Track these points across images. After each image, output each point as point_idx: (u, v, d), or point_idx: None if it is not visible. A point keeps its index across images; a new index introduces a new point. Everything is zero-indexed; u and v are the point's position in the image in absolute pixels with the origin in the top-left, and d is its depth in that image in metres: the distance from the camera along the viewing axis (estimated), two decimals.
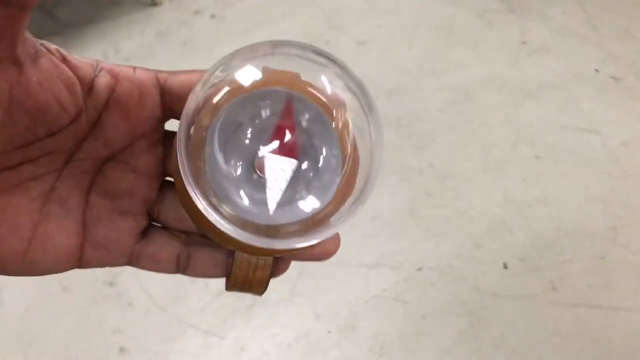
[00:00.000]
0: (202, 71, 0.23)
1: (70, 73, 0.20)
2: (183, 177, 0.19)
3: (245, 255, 0.22)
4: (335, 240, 0.26)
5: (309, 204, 0.22)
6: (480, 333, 1.00)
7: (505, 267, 1.09)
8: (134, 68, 0.23)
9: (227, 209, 0.20)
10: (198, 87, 0.21)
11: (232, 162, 0.21)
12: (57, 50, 0.21)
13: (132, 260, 0.24)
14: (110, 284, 1.10)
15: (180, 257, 0.24)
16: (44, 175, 0.21)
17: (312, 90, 0.21)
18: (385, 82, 1.46)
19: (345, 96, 0.21)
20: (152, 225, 0.25)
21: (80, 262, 0.23)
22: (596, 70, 1.44)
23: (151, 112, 0.23)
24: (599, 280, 1.06)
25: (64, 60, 0.21)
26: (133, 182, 0.23)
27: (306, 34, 1.62)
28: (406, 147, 1.30)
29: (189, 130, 0.20)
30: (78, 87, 0.21)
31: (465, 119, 1.35)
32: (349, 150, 0.21)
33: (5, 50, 0.18)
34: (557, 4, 1.64)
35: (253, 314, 1.04)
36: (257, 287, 0.23)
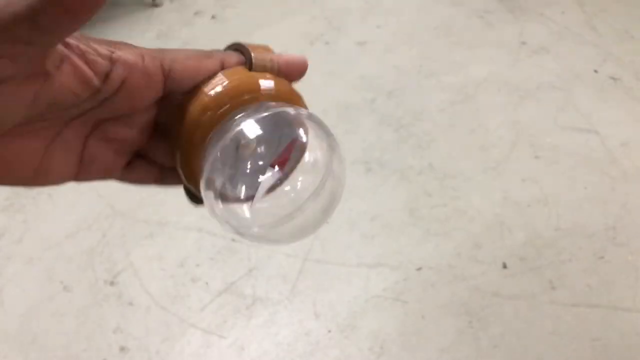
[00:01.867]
0: (200, 56, 0.28)
1: (87, 71, 0.24)
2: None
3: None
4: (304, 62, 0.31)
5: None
6: (479, 332, 1.01)
7: (505, 266, 1.09)
8: (143, 58, 0.27)
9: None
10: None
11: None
12: (77, 47, 0.24)
13: (119, 179, 0.30)
14: (111, 284, 1.10)
15: (157, 179, 0.31)
16: (53, 126, 0.26)
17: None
18: (385, 82, 1.46)
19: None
20: (138, 157, 0.30)
21: (76, 179, 0.28)
22: (595, 71, 1.45)
23: (153, 93, 0.27)
24: (598, 280, 1.06)
25: (83, 56, 0.24)
26: (127, 133, 0.29)
27: (306, 34, 1.62)
28: (406, 147, 1.31)
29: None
30: (94, 81, 0.25)
31: (465, 119, 1.36)
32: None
33: (36, 67, 0.22)
34: (557, 4, 1.64)
35: (253, 314, 1.04)
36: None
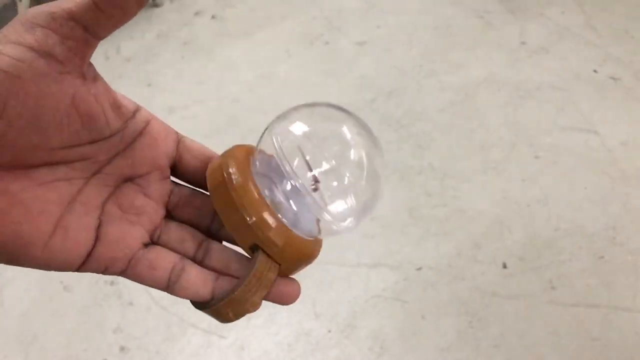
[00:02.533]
0: (210, 152, 0.30)
1: (118, 98, 0.26)
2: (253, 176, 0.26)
3: (266, 257, 0.27)
4: (298, 289, 0.31)
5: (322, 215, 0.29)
6: (479, 332, 1.01)
7: (505, 266, 1.09)
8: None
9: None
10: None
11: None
12: (109, 87, 0.27)
13: (131, 264, 0.27)
14: (111, 283, 1.11)
15: (175, 268, 0.27)
16: (75, 179, 0.26)
17: None
18: (385, 82, 1.46)
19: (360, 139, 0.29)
20: (153, 242, 0.29)
21: (90, 257, 0.26)
22: (595, 71, 1.45)
23: (169, 151, 0.28)
24: (597, 280, 1.06)
25: (114, 91, 0.27)
26: (143, 202, 0.28)
27: (306, 34, 1.62)
28: (406, 147, 1.31)
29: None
30: (124, 110, 0.26)
31: (465, 119, 1.36)
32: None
33: (77, 64, 0.24)
34: (557, 4, 1.64)
35: (253, 314, 1.04)
36: (258, 297, 0.28)
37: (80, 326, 1.06)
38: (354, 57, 1.54)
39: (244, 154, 0.29)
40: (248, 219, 0.26)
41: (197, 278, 0.28)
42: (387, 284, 1.08)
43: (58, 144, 0.24)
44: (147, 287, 1.09)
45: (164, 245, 0.28)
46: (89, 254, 0.26)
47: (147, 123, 0.27)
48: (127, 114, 0.27)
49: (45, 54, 0.22)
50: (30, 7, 1.52)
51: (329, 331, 1.02)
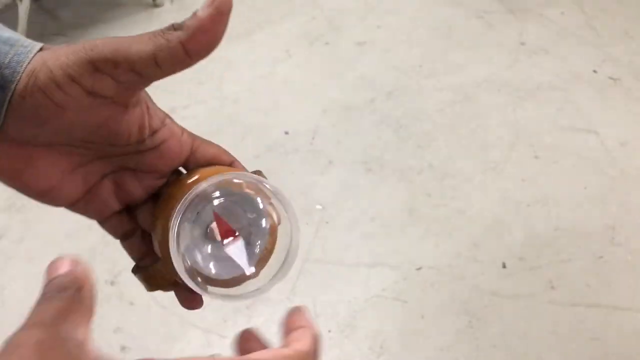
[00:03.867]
0: (222, 150, 0.33)
1: (146, 122, 0.29)
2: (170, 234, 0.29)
3: (163, 266, 0.32)
4: (200, 303, 0.34)
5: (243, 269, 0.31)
6: (479, 332, 1.01)
7: (504, 266, 1.09)
8: (183, 132, 0.31)
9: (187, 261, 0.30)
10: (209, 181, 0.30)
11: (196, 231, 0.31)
12: (146, 103, 0.29)
13: (101, 222, 0.33)
14: (112, 283, 1.11)
15: (127, 232, 0.33)
16: (87, 155, 0.30)
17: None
18: (385, 82, 1.46)
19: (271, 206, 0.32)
20: (126, 209, 0.33)
21: (72, 207, 0.31)
22: (594, 71, 1.45)
23: (177, 164, 0.32)
24: (597, 280, 1.06)
25: (148, 110, 0.29)
26: (134, 188, 0.32)
27: (306, 34, 1.62)
28: (406, 147, 1.31)
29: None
30: (146, 132, 0.29)
31: (465, 119, 1.36)
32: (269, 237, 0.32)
33: (125, 98, 0.27)
34: (556, 5, 1.64)
35: (253, 313, 1.04)
36: (154, 286, 0.34)
37: None
38: (354, 57, 1.54)
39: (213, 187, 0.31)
40: (160, 236, 0.31)
41: (136, 244, 0.34)
42: (387, 284, 1.08)
43: (79, 139, 0.28)
44: None
45: (134, 215, 0.33)
46: (72, 205, 0.31)
47: (164, 141, 0.30)
48: (147, 134, 0.29)
49: (97, 95, 0.26)
50: (30, 8, 1.53)
51: (329, 331, 1.02)
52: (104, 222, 0.33)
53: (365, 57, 1.54)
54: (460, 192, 1.21)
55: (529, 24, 1.59)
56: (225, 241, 0.31)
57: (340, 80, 1.48)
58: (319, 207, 1.20)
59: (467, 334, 1.01)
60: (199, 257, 0.31)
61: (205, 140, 0.33)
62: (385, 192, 1.23)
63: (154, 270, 0.33)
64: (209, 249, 0.31)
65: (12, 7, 1.55)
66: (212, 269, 0.31)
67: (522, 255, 1.10)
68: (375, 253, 1.12)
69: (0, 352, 0.21)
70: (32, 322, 0.21)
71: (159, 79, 0.26)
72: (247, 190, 0.32)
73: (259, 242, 0.32)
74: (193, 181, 0.31)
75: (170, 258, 0.29)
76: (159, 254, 0.32)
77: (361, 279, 1.09)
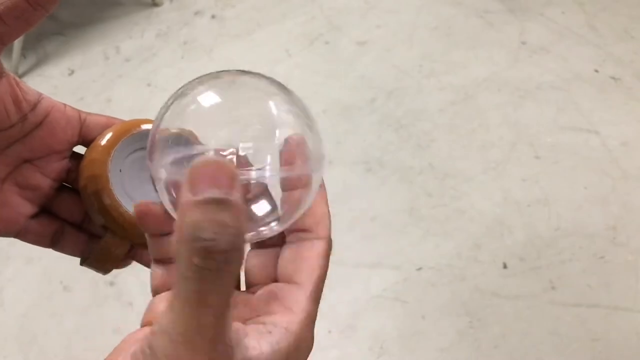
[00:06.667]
0: (112, 117, 0.32)
1: (20, 94, 0.28)
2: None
3: (112, 235, 0.30)
4: None
5: None
6: (479, 333, 1.01)
7: (505, 267, 1.09)
8: (65, 105, 0.31)
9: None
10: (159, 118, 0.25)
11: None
12: (14, 78, 0.28)
13: (20, 234, 0.31)
14: (111, 284, 1.10)
15: (56, 233, 0.32)
16: None
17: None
18: (385, 82, 1.46)
19: (289, 117, 0.25)
20: (42, 211, 0.32)
21: None
22: (595, 71, 1.45)
23: (70, 137, 0.31)
24: (598, 280, 1.06)
25: (18, 84, 0.28)
26: (40, 180, 0.31)
27: (306, 34, 1.62)
28: (406, 147, 1.31)
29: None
30: (24, 105, 0.28)
31: (465, 119, 1.36)
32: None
33: None
34: (557, 4, 1.64)
35: None
36: (110, 263, 0.32)
37: (80, 326, 1.05)
38: (354, 57, 1.54)
39: (122, 134, 0.30)
40: (96, 204, 0.30)
41: (71, 241, 0.33)
42: (388, 284, 1.08)
43: None
44: (146, 288, 1.09)
45: (55, 214, 0.32)
46: None
47: (47, 114, 0.29)
48: (27, 108, 0.28)
49: None
50: None
51: (329, 331, 1.02)
52: (24, 233, 0.31)
53: (365, 56, 1.54)
54: (461, 192, 1.21)
55: (529, 24, 1.59)
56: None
57: (340, 80, 1.48)
58: None
59: (468, 335, 1.01)
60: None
61: (91, 113, 0.32)
62: (386, 192, 1.22)
63: (104, 244, 0.31)
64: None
65: None
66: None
67: (522, 256, 1.10)
68: (375, 253, 1.12)
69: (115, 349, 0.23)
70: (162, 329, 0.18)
71: (10, 39, 0.25)
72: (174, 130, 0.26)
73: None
74: (108, 139, 0.30)
75: (120, 213, 0.28)
76: (103, 223, 0.30)
77: (361, 280, 1.09)
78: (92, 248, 0.33)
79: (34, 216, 0.32)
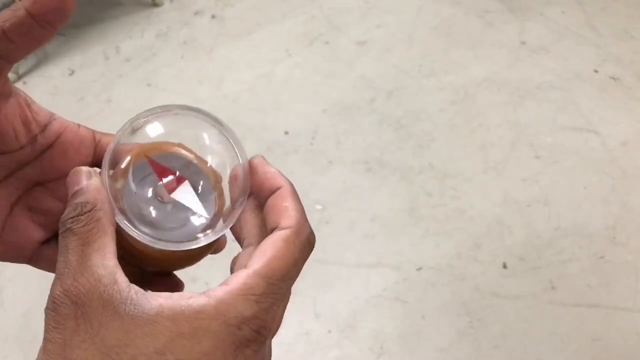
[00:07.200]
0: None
1: (29, 115, 0.27)
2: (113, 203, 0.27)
3: (126, 264, 0.29)
4: (180, 285, 0.33)
5: (199, 219, 0.29)
6: (479, 332, 1.01)
7: (505, 266, 1.09)
8: (79, 125, 0.30)
9: (144, 229, 0.28)
10: (116, 137, 0.28)
11: (142, 194, 0.29)
12: (25, 99, 0.27)
13: (32, 260, 0.30)
14: None
15: None
16: None
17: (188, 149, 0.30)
18: (385, 82, 1.46)
19: (219, 145, 0.30)
20: (54, 236, 0.31)
21: None
22: (595, 71, 1.45)
23: (83, 159, 0.30)
24: (598, 280, 1.06)
25: (28, 105, 0.27)
26: (52, 205, 0.30)
27: (306, 34, 1.62)
28: (406, 147, 1.31)
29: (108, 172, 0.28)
30: (34, 126, 0.27)
31: (465, 119, 1.36)
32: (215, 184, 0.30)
33: None
34: (557, 4, 1.64)
35: None
36: None
37: None
38: (354, 57, 1.54)
39: (134, 158, 0.30)
40: None
41: None
42: (388, 284, 1.08)
43: None
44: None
45: None
46: None
47: (59, 135, 0.29)
48: (37, 129, 0.28)
49: None
50: None
51: (329, 331, 1.02)
52: (36, 260, 0.30)
53: (365, 56, 1.54)
54: (461, 192, 1.21)
55: (529, 23, 1.59)
56: (168, 184, 0.28)
57: (340, 80, 1.48)
58: (319, 207, 1.20)
59: (468, 335, 1.01)
60: (150, 228, 0.28)
61: (106, 133, 0.31)
62: (386, 192, 1.22)
63: None
64: (158, 215, 0.28)
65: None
66: (168, 236, 0.28)
67: (522, 256, 1.10)
68: (375, 253, 1.12)
69: (46, 306, 0.25)
70: (62, 265, 0.25)
71: (18, 57, 0.25)
72: (175, 148, 0.29)
73: (201, 182, 0.29)
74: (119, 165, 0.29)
75: (128, 247, 0.27)
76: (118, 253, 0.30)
77: (361, 279, 1.09)
78: None
79: (46, 241, 0.30)
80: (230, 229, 0.30)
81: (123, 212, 0.27)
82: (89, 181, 0.26)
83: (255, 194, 0.29)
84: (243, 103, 1.43)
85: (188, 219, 0.29)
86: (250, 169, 0.29)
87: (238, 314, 0.23)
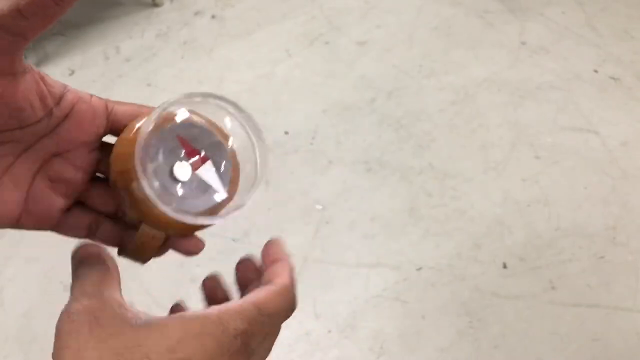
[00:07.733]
0: (141, 105, 0.32)
1: (45, 89, 0.28)
2: (139, 171, 0.28)
3: (148, 227, 0.31)
4: (200, 243, 0.35)
5: (218, 195, 0.32)
6: (479, 333, 1.01)
7: (505, 266, 1.09)
8: (91, 95, 0.31)
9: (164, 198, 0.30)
10: (151, 117, 0.30)
11: (165, 167, 0.31)
12: (39, 73, 0.28)
13: (55, 228, 0.32)
14: None
15: (91, 225, 0.33)
16: (6, 156, 0.29)
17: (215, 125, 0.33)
18: (385, 82, 1.46)
19: (238, 130, 0.33)
20: (76, 204, 0.33)
21: (18, 224, 0.30)
22: (595, 71, 1.45)
23: (97, 129, 0.31)
24: (598, 280, 1.06)
25: (43, 79, 0.28)
26: (71, 174, 0.31)
27: (306, 34, 1.62)
28: (406, 147, 1.31)
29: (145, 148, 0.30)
30: (49, 100, 0.28)
31: (465, 119, 1.36)
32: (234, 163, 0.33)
33: (7, 65, 0.25)
34: (557, 4, 1.64)
35: None
36: (147, 253, 0.33)
37: None
38: (354, 57, 1.54)
39: (155, 127, 0.31)
40: (127, 200, 0.30)
41: (108, 232, 0.33)
42: (388, 284, 1.08)
43: None
44: (146, 287, 1.09)
45: (90, 206, 0.33)
46: (17, 221, 0.30)
47: (73, 107, 0.30)
48: (52, 103, 0.29)
49: None
50: None
51: (329, 331, 1.02)
52: (59, 227, 0.32)
53: (366, 56, 1.54)
54: (461, 192, 1.21)
55: (529, 24, 1.59)
56: (194, 164, 0.31)
57: (340, 80, 1.48)
58: (319, 207, 1.20)
59: (468, 335, 1.01)
60: (173, 198, 0.30)
61: (118, 101, 0.32)
62: (386, 192, 1.22)
63: (141, 236, 0.32)
64: (179, 187, 0.31)
65: None
66: (188, 205, 0.31)
67: (522, 256, 1.10)
68: (375, 253, 1.12)
69: (59, 320, 0.26)
70: (79, 293, 0.27)
71: (33, 34, 0.25)
72: (195, 118, 0.31)
73: (224, 163, 0.32)
74: (136, 129, 0.30)
75: (152, 209, 0.29)
76: (137, 217, 0.31)
77: (361, 279, 1.09)
78: (129, 239, 0.33)
79: (68, 209, 0.32)
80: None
81: (152, 187, 0.29)
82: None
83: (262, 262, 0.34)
84: (243, 103, 1.42)
85: (208, 193, 0.32)
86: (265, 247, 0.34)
87: (236, 326, 0.27)
